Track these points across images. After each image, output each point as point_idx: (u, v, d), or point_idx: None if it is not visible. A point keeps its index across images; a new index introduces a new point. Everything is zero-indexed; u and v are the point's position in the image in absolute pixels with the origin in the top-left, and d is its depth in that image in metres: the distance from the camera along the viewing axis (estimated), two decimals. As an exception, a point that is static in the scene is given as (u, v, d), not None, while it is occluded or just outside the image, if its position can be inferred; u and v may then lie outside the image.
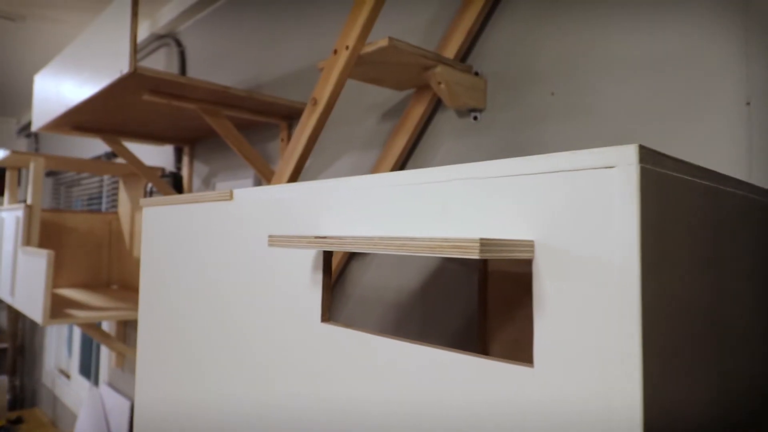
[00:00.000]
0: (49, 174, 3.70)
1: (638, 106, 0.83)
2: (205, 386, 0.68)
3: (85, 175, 3.05)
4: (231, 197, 0.65)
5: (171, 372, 0.76)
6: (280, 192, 0.58)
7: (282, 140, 1.53)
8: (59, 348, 3.49)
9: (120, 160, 2.59)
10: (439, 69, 0.94)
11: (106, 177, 2.72)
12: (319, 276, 0.50)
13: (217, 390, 0.65)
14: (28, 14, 2.25)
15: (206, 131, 1.76)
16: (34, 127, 1.79)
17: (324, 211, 0.52)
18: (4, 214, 2.14)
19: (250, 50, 1.75)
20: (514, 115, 0.99)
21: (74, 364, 3.17)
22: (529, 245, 0.36)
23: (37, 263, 1.63)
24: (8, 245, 2.02)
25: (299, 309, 0.53)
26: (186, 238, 0.77)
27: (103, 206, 2.72)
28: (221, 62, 1.90)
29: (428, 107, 1.09)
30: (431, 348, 0.41)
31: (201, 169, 1.95)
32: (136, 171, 1.85)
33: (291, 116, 1.50)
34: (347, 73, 0.91)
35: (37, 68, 3.06)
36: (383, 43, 0.86)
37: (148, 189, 2.00)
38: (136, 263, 2.34)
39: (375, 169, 1.16)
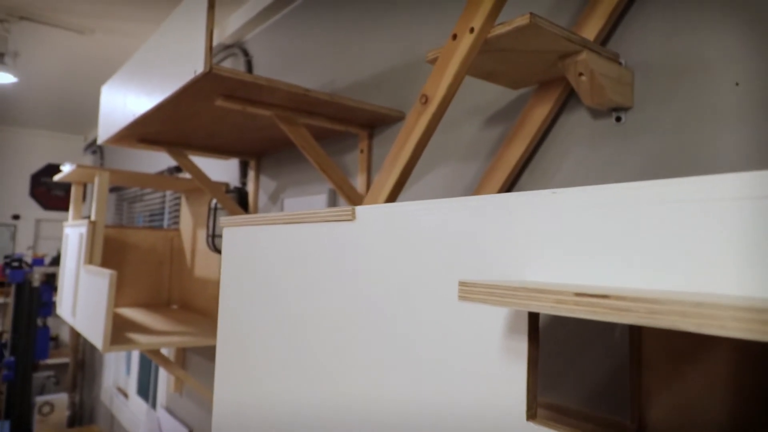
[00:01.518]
0: (113, 190, 3.72)
1: None
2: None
3: (147, 190, 3.02)
4: (353, 217, 0.47)
5: (249, 399, 0.59)
6: (438, 210, 0.40)
7: (361, 151, 1.37)
8: (118, 366, 3.46)
9: (185, 175, 2.52)
10: (584, 56, 0.75)
11: (168, 193, 2.66)
12: (522, 344, 0.32)
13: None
14: (96, 28, 2.21)
15: (275, 143, 1.63)
16: (100, 140, 1.72)
17: (521, 241, 0.34)
18: (69, 231, 2.08)
19: (320, 58, 1.61)
20: (674, 114, 0.78)
21: (132, 384, 3.10)
22: None
23: (99, 284, 1.52)
24: (71, 263, 1.95)
25: (479, 391, 0.34)
26: (281, 265, 0.60)
27: (165, 222, 2.65)
28: (289, 71, 1.77)
29: (554, 107, 0.90)
30: None
31: (268, 184, 1.82)
32: (201, 186, 1.73)
33: (372, 124, 1.34)
34: (469, 62, 0.74)
35: (104, 83, 3.07)
36: (522, 21, 0.68)
37: (213, 205, 1.89)
38: (197, 282, 2.24)
39: (482, 184, 0.98)
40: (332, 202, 1.47)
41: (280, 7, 1.85)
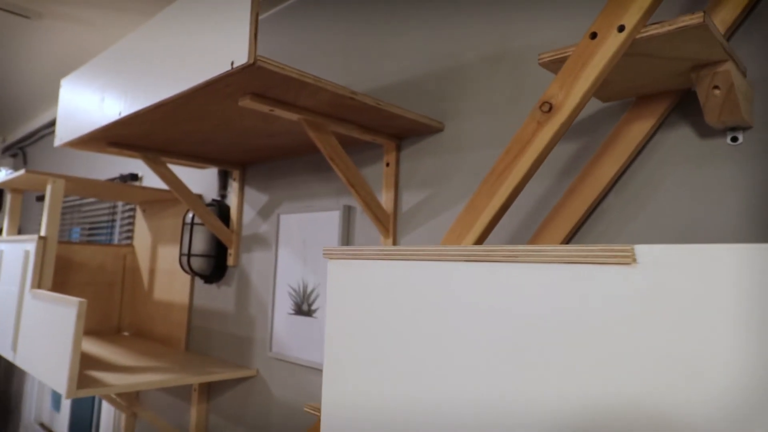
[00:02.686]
0: (40, 198, 3.29)
1: None
2: None
3: (88, 199, 2.68)
4: (632, 259, 0.34)
5: None
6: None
7: (387, 165, 1.23)
8: (41, 397, 3.02)
9: (145, 184, 2.23)
10: (727, 67, 0.66)
11: (120, 204, 2.36)
12: None
13: None
14: (46, 12, 1.92)
15: (272, 152, 1.45)
16: (58, 142, 1.45)
17: None
18: (4, 247, 1.76)
19: (328, 57, 1.46)
20: (804, 136, 0.71)
21: (62, 422, 2.71)
22: None
23: (59, 314, 1.27)
24: (9, 286, 1.64)
25: None
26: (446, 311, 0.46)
27: (115, 237, 2.35)
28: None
29: (656, 123, 0.81)
30: None
31: (255, 197, 1.63)
32: (179, 197, 1.51)
33: (402, 135, 1.21)
34: (612, 65, 0.63)
35: (37, 76, 2.71)
36: (692, 20, 0.58)
37: (190, 219, 1.66)
38: (157, 306, 1.98)
39: (565, 204, 0.87)
40: (347, 221, 1.31)
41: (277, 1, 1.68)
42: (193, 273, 1.66)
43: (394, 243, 1.21)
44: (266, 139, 1.29)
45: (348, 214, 1.32)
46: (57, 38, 2.17)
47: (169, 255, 1.95)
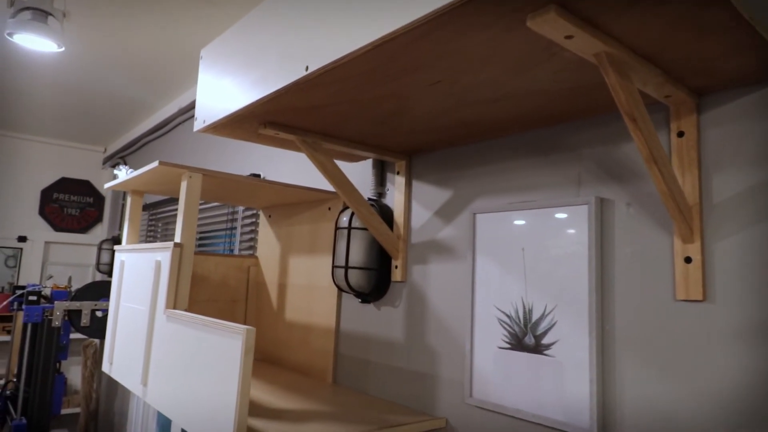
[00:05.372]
0: (146, 207, 3.14)
1: None
2: None
3: (205, 205, 2.45)
4: None
5: None
6: None
7: (680, 134, 0.83)
8: (146, 422, 2.82)
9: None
10: None
11: (241, 209, 2.09)
12: None
13: None
14: (181, 18, 1.68)
15: (456, 133, 1.09)
16: (198, 126, 1.17)
17: None
18: (128, 257, 1.51)
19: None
20: None
21: (171, 449, 2.47)
22: None
23: (212, 345, 0.95)
24: (135, 304, 1.38)
25: None
26: None
27: (236, 247, 2.08)
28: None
29: None
30: None
31: (426, 194, 1.28)
32: (342, 195, 1.18)
33: (703, 88, 0.81)
34: None
35: (135, 81, 2.52)
36: None
37: (345, 223, 1.33)
38: (290, 328, 1.67)
39: None
40: (599, 220, 0.92)
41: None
42: (353, 291, 1.32)
43: (703, 252, 0.81)
44: (486, 106, 0.92)
45: (601, 209, 0.93)
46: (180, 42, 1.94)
47: (304, 267, 1.64)
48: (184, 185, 1.25)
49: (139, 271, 1.39)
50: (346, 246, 1.31)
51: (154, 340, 1.23)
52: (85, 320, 2.38)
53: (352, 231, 1.32)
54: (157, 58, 2.28)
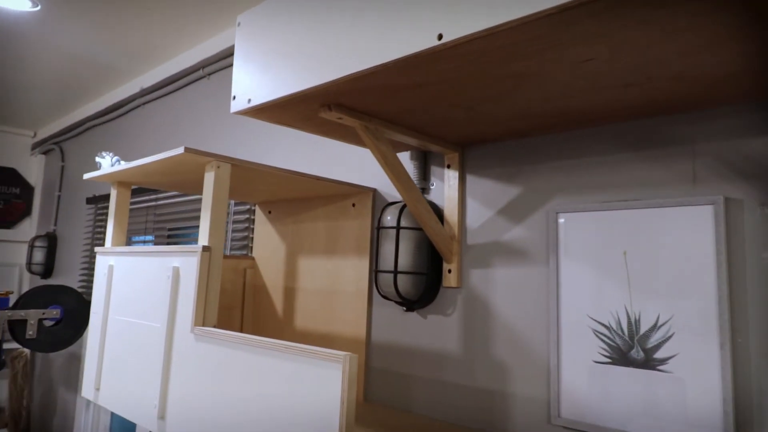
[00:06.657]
0: (91, 200, 2.77)
1: None
2: None
3: (172, 194, 2.17)
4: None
5: None
6: None
7: None
8: (100, 442, 2.50)
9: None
10: None
11: (232, 202, 1.87)
12: None
13: None
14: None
15: (535, 122, 0.97)
16: (237, 107, 0.97)
17: None
18: (115, 260, 1.26)
19: None
20: None
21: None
22: None
23: (288, 375, 0.77)
24: (130, 316, 1.14)
25: None
26: None
27: (228, 247, 1.86)
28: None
29: None
30: None
31: (487, 190, 1.15)
32: (398, 188, 1.03)
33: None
34: None
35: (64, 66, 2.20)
36: None
37: (390, 222, 1.18)
38: (300, 339, 1.48)
39: None
40: (725, 222, 0.84)
41: None
42: (400, 297, 1.17)
43: None
44: (615, 91, 0.81)
45: (727, 210, 0.84)
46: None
47: (321, 270, 1.46)
48: (210, 177, 1.05)
49: (143, 278, 1.16)
50: (395, 248, 1.16)
51: (175, 363, 1.02)
52: (31, 332, 2.05)
53: (401, 231, 1.16)
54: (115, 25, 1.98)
